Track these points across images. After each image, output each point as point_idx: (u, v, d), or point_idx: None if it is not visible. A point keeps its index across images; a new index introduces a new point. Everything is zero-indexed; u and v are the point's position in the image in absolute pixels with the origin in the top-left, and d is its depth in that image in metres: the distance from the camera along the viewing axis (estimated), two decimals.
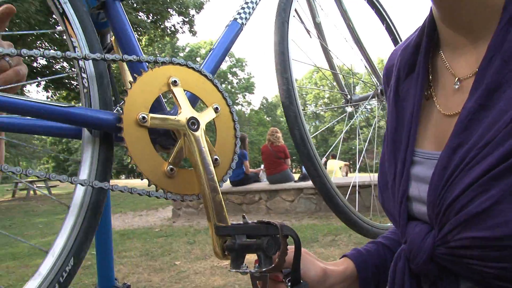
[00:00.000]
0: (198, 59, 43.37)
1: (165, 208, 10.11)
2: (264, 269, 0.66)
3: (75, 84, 20.02)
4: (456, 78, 0.61)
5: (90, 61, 0.79)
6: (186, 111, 0.79)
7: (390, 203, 0.68)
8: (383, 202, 0.73)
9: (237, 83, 48.46)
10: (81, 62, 0.79)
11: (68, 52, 0.76)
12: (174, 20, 18.34)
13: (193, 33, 19.90)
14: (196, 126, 0.78)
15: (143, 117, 0.75)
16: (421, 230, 0.60)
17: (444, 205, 0.54)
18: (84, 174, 0.76)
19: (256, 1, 1.08)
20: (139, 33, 17.87)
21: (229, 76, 47.64)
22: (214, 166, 0.79)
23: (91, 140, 0.77)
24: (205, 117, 0.82)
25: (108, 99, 0.80)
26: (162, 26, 18.82)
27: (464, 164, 0.52)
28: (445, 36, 0.63)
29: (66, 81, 19.62)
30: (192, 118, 0.78)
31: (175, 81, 0.80)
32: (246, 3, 1.07)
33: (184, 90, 0.81)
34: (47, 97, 21.11)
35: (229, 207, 7.96)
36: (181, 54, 43.25)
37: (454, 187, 0.52)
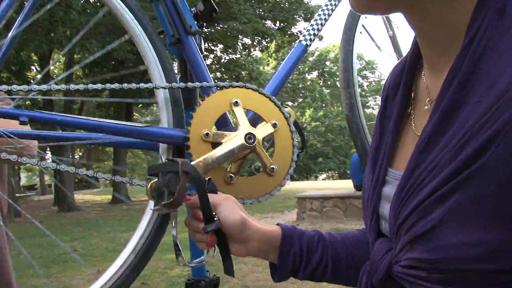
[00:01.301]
0: (327, 63, 43.42)
1: (290, 211, 10.36)
2: (163, 203, 0.72)
3: None
4: (427, 99, 0.62)
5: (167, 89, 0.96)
6: (244, 127, 0.92)
7: (366, 219, 0.70)
8: (364, 217, 0.75)
9: (367, 86, 47.54)
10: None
11: (150, 84, 0.93)
12: (301, 26, 18.53)
13: (320, 37, 20.03)
14: (252, 140, 0.91)
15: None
16: (383, 248, 0.61)
17: (397, 225, 0.55)
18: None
19: (322, 23, 1.18)
20: (267, 40, 18.44)
21: (359, 79, 46.85)
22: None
23: (165, 152, 0.94)
24: (262, 132, 0.94)
25: (181, 118, 0.96)
26: (289, 32, 19.25)
27: (415, 186, 0.53)
28: (425, 55, 0.63)
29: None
30: (249, 133, 0.91)
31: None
32: (311, 25, 1.18)
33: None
34: None
35: (352, 211, 7.94)
36: (310, 59, 43.61)
37: (405, 208, 0.54)
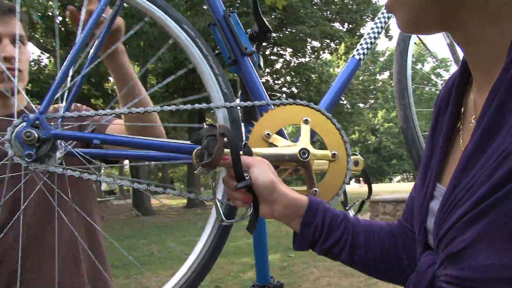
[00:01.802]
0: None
1: (363, 214, 10.21)
2: (201, 163, 0.79)
3: (278, 96, 21.35)
4: (473, 116, 0.62)
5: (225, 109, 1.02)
6: (303, 142, 0.96)
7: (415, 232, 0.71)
8: (406, 219, 0.78)
9: (441, 84, 45.75)
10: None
11: (212, 104, 1.00)
12: (369, 27, 18.26)
13: (390, 38, 19.59)
14: (306, 155, 0.95)
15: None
16: (428, 260, 0.62)
17: (437, 241, 0.56)
18: (220, 195, 1.00)
19: (376, 36, 1.20)
20: (335, 42, 18.31)
21: (433, 77, 45.31)
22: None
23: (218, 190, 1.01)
24: (319, 154, 0.97)
25: (239, 137, 1.02)
26: (358, 34, 19.02)
27: (454, 204, 0.54)
28: (473, 72, 0.64)
29: (269, 93, 21.06)
30: (306, 149, 0.96)
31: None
32: (365, 39, 1.20)
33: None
34: None
35: None
36: (381, 59, 42.75)
37: (444, 224, 0.55)
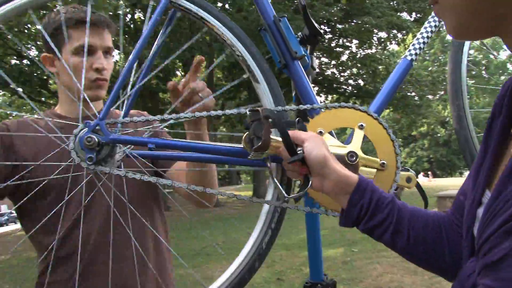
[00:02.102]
0: (471, 51, 40.36)
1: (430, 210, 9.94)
2: (253, 148, 0.82)
3: (344, 88, 21.10)
4: None
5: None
6: (354, 146, 0.98)
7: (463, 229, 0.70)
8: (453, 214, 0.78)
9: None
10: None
11: (262, 107, 1.03)
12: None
13: None
14: (354, 158, 0.96)
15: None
16: (472, 267, 0.62)
17: (478, 249, 0.56)
18: (269, 195, 1.03)
19: (429, 35, 1.18)
20: (403, 33, 17.78)
21: (509, 66, 42.94)
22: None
23: (275, 169, 1.04)
24: (367, 160, 0.98)
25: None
26: None
27: (494, 214, 0.53)
28: None
29: (335, 86, 20.83)
30: (354, 152, 0.97)
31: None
32: (417, 38, 1.18)
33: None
34: (320, 102, 22.88)
35: None
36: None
37: (484, 233, 0.54)
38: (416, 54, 1.17)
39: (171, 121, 1.03)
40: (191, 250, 7.73)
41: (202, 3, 1.07)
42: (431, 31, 1.17)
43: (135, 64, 1.03)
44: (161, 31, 1.11)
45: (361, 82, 20.87)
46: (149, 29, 1.02)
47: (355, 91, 20.93)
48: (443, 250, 0.81)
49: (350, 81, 21.38)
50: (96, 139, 0.94)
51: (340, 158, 0.96)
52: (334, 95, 22.51)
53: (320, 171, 0.82)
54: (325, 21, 16.34)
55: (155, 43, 1.11)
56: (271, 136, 0.85)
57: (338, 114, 1.00)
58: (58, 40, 1.26)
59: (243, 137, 0.89)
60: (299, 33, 1.17)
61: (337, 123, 1.00)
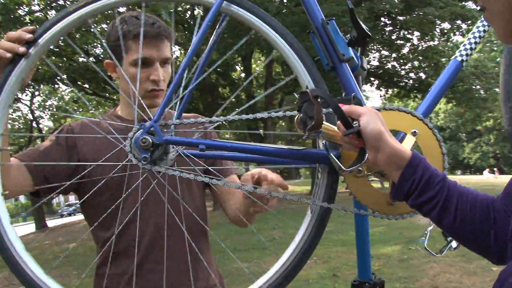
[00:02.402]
0: None
1: None
2: (307, 128, 0.86)
3: (405, 82, 20.56)
4: None
5: None
6: None
7: None
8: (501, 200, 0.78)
9: None
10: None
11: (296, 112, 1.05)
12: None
13: None
14: None
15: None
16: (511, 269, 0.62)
17: None
18: (315, 195, 1.06)
19: (481, 35, 1.16)
20: (467, 23, 17.07)
21: None
22: None
23: (321, 170, 1.06)
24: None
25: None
26: None
27: None
28: None
29: (396, 79, 20.34)
30: None
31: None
32: (468, 39, 1.16)
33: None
34: (380, 96, 22.35)
35: None
36: None
37: None
38: (467, 55, 1.15)
39: (220, 122, 1.08)
40: (246, 244, 7.83)
41: (251, 8, 1.10)
42: (483, 31, 1.15)
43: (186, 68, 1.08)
44: (212, 38, 1.16)
45: (422, 75, 20.23)
46: (199, 36, 1.07)
47: (416, 85, 20.30)
48: (490, 232, 0.82)
49: (411, 75, 20.76)
50: (151, 140, 1.00)
51: None
52: (395, 89, 21.97)
53: (375, 145, 0.85)
54: (385, 13, 15.97)
55: (210, 43, 1.16)
56: (324, 123, 0.89)
57: (392, 117, 1.01)
58: (119, 50, 1.34)
59: (295, 119, 0.93)
60: (348, 36, 1.18)
61: (392, 126, 1.01)
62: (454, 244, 1.15)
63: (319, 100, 0.87)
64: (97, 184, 1.28)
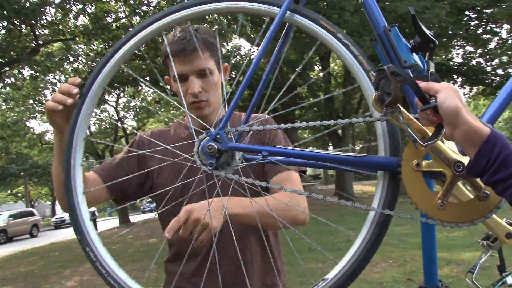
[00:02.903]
0: None
1: None
2: (385, 104, 0.87)
3: (491, 79, 19.50)
4: None
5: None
6: (452, 156, 0.97)
7: None
8: None
9: None
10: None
11: (368, 118, 1.06)
12: None
13: None
14: (459, 169, 0.96)
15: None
16: None
17: None
18: (375, 203, 1.06)
19: None
20: None
21: None
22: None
23: (382, 176, 1.07)
24: (472, 182, 0.96)
25: (397, 146, 1.07)
26: None
27: None
28: None
29: (481, 76, 19.34)
30: (458, 162, 0.97)
31: None
32: None
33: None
34: (464, 94, 21.34)
35: None
36: None
37: None
38: None
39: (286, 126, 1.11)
40: (324, 244, 7.81)
41: (315, 18, 1.13)
42: None
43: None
44: (277, 47, 1.20)
45: (511, 70, 19.08)
46: (262, 47, 1.11)
47: (504, 81, 19.15)
48: None
49: (499, 71, 19.64)
50: (216, 147, 1.06)
51: (447, 161, 0.97)
52: (480, 87, 20.91)
53: (452, 121, 0.85)
54: (469, 7, 15.24)
55: (274, 54, 1.20)
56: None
57: None
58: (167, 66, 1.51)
59: (372, 98, 0.95)
60: (411, 41, 1.17)
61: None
62: (509, 280, 1.11)
63: (396, 77, 0.88)
64: (166, 191, 1.39)
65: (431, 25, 13.13)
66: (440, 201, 0.98)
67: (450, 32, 15.81)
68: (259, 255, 1.51)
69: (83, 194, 1.18)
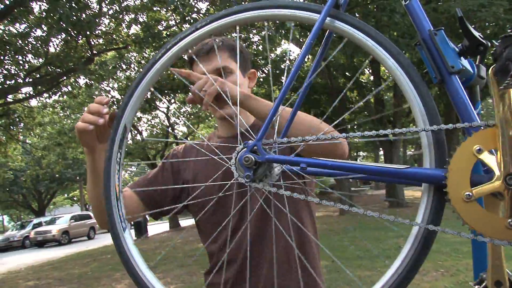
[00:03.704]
0: None
1: None
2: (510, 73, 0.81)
3: None
4: None
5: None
6: (498, 171, 0.91)
7: None
8: None
9: None
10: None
11: (411, 129, 1.01)
12: None
13: None
14: None
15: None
16: None
17: None
18: (419, 217, 1.01)
19: None
20: None
21: None
22: None
23: (427, 189, 1.01)
24: None
25: (442, 158, 1.00)
26: None
27: None
28: None
29: None
30: (509, 175, 0.90)
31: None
32: None
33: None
34: None
35: None
36: None
37: None
38: None
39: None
40: (371, 252, 7.65)
41: (357, 23, 1.09)
42: None
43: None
44: (318, 53, 1.17)
45: None
46: (302, 54, 1.08)
47: None
48: None
49: None
50: (253, 159, 1.04)
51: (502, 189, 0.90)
52: None
53: None
54: None
55: (315, 60, 1.17)
56: None
57: (460, 161, 0.93)
58: None
59: (490, 72, 0.90)
60: (459, 45, 1.11)
61: (466, 170, 0.93)
62: None
63: None
64: (201, 202, 1.38)
65: (488, 24, 12.64)
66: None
67: (509, 31, 15.13)
68: (297, 255, 1.48)
69: (125, 221, 1.17)
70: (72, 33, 12.84)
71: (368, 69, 21.68)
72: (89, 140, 1.27)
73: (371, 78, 22.05)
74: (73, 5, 11.16)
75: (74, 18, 11.27)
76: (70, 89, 18.38)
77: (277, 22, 8.70)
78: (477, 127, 0.96)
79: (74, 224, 26.90)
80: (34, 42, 14.38)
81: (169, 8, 13.91)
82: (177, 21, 15.45)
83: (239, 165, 1.06)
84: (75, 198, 53.39)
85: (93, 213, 1.40)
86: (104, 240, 22.34)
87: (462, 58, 1.09)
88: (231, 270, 1.45)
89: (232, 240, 1.40)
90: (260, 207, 1.30)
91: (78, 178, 38.86)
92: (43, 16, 12.33)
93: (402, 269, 1.00)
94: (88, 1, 12.66)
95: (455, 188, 0.93)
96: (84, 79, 16.93)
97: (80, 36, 14.03)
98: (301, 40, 15.68)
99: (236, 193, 1.30)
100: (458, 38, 1.09)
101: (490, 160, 0.93)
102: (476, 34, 1.07)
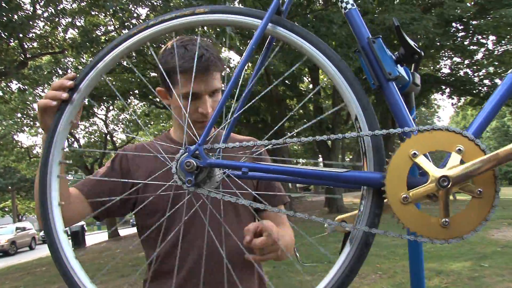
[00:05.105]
0: None
1: None
2: None
3: (479, 89, 19.70)
4: None
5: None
6: (433, 174, 0.94)
7: None
8: None
9: None
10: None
11: (352, 133, 1.03)
12: None
13: None
14: (446, 184, 0.92)
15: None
16: None
17: None
18: (358, 220, 1.02)
19: None
20: None
21: None
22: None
23: (366, 193, 1.03)
24: (454, 170, 0.94)
25: (381, 162, 1.03)
26: None
27: None
28: None
29: (469, 87, 19.55)
30: (447, 177, 0.93)
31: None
32: None
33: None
34: (452, 104, 21.51)
35: None
36: None
37: None
38: None
39: (269, 146, 1.08)
40: (310, 257, 7.74)
41: (299, 30, 1.10)
42: None
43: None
44: (259, 60, 1.17)
45: (498, 81, 19.25)
46: (243, 60, 1.08)
47: (491, 92, 19.36)
48: None
49: (486, 81, 19.83)
50: (195, 163, 1.02)
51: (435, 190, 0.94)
52: (468, 97, 21.09)
53: None
54: (456, 18, 15.41)
55: (256, 69, 1.17)
56: None
57: (434, 136, 0.97)
58: (170, 80, 1.38)
59: None
60: (396, 53, 1.15)
61: (434, 146, 0.97)
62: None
63: None
64: (148, 206, 1.34)
65: (419, 36, 13.27)
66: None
67: (438, 43, 15.98)
68: (244, 282, 1.46)
69: (58, 206, 1.13)
70: (3, 34, 12.26)
71: (307, 77, 22.10)
72: (50, 121, 1.17)
73: (310, 86, 22.46)
74: (3, 4, 10.62)
75: (5, 19, 10.78)
76: (1, 94, 17.59)
77: (218, 29, 8.69)
78: (411, 132, 1.00)
79: (20, 234, 25.88)
80: None
81: (108, 13, 13.59)
82: (116, 26, 15.14)
83: (180, 170, 1.04)
84: (6, 209, 50.79)
85: (36, 210, 1.32)
86: (40, 252, 21.40)
87: (398, 65, 1.13)
88: (170, 283, 1.41)
89: (177, 251, 1.36)
90: (210, 212, 1.28)
91: (10, 188, 37.11)
92: None
93: (341, 272, 1.01)
94: (21, 2, 12.07)
95: (393, 190, 0.96)
96: (16, 84, 16.25)
97: (12, 39, 13.42)
98: (241, 48, 15.74)
99: (185, 201, 1.27)
100: (393, 49, 1.12)
101: (425, 163, 0.96)
102: (412, 43, 1.11)
